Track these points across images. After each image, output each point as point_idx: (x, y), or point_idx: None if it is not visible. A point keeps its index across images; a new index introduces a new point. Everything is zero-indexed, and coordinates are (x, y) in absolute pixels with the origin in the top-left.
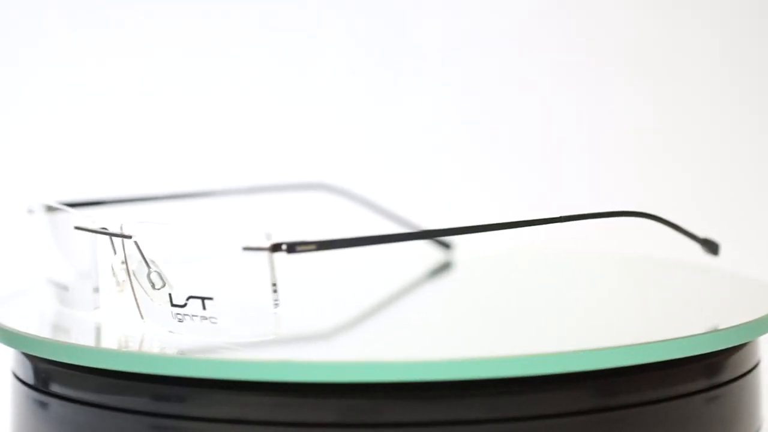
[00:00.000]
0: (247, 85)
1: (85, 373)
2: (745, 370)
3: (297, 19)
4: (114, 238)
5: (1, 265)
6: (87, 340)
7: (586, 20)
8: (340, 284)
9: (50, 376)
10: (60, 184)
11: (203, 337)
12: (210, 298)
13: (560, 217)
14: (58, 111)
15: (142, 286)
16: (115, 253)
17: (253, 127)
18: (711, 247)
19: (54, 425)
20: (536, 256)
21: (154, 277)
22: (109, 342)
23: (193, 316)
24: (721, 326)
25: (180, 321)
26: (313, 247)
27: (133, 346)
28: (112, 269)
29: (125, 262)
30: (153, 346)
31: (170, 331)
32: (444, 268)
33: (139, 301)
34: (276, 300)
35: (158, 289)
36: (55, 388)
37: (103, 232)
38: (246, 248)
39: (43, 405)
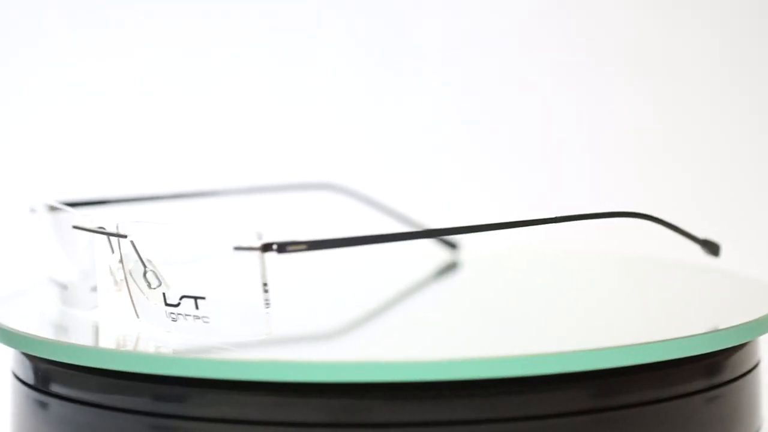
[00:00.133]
0: (246, 86)
1: (85, 373)
2: (745, 370)
3: (297, 19)
4: (111, 237)
5: (2, 265)
6: (87, 340)
7: (586, 20)
8: (343, 284)
9: (50, 376)
10: (60, 184)
11: (196, 337)
12: (202, 298)
13: (558, 217)
14: (58, 111)
15: (138, 286)
16: (112, 252)
17: (253, 127)
18: (711, 248)
19: (54, 425)
20: (536, 256)
21: (150, 276)
22: (108, 342)
23: (186, 315)
24: (721, 326)
25: (174, 320)
26: (303, 247)
27: (133, 346)
28: (110, 269)
29: (122, 261)
30: (152, 346)
31: (164, 331)
32: (449, 268)
33: (134, 301)
34: (267, 300)
35: (154, 288)
36: (55, 388)
37: (100, 231)
38: (237, 248)
39: (43, 405)
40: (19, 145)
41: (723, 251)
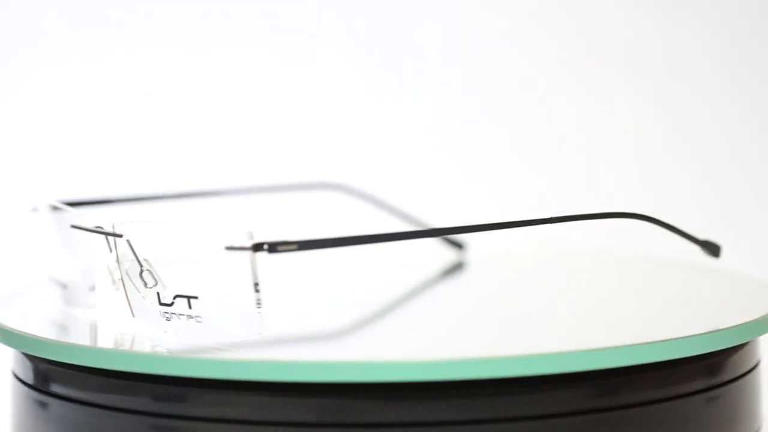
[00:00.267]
0: (246, 86)
1: (85, 373)
2: (745, 370)
3: (297, 19)
4: (108, 237)
5: (2, 265)
6: (86, 339)
7: (586, 20)
8: (343, 284)
9: (50, 376)
10: (61, 183)
11: (189, 336)
12: (195, 297)
13: (555, 217)
14: (58, 111)
15: (134, 285)
16: (110, 251)
17: (253, 127)
18: (711, 249)
19: (54, 425)
20: (536, 257)
21: (146, 275)
22: (107, 342)
23: (180, 315)
24: (721, 326)
25: (168, 320)
26: (294, 247)
27: (132, 346)
28: (108, 268)
29: (118, 260)
30: (153, 347)
31: (158, 330)
32: (453, 268)
33: (130, 300)
34: (259, 300)
35: (150, 288)
36: (55, 388)
37: (97, 231)
38: (229, 248)
39: (43, 405)
40: (19, 145)
41: (723, 251)
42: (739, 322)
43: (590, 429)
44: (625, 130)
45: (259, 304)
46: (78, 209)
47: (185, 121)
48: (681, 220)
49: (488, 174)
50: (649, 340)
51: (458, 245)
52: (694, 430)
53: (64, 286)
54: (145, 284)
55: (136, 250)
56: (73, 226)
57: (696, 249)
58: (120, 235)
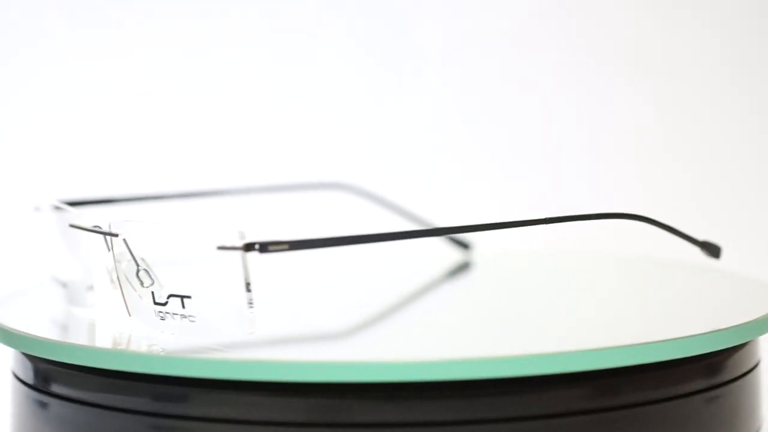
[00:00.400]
0: (246, 86)
1: (85, 373)
2: (745, 370)
3: (297, 19)
4: (107, 236)
5: (2, 265)
6: (86, 339)
7: (586, 20)
8: (344, 284)
9: (50, 376)
10: (61, 183)
11: (182, 336)
12: (188, 297)
13: (554, 218)
14: (58, 111)
15: (131, 284)
16: (109, 251)
17: (252, 127)
18: (711, 250)
19: (54, 425)
20: (536, 257)
21: (142, 275)
22: (107, 341)
23: (173, 314)
24: (721, 326)
25: (162, 319)
26: (285, 246)
27: (132, 346)
28: (106, 267)
29: (115, 259)
30: (151, 346)
31: (152, 329)
32: (461, 268)
33: (126, 299)
34: (250, 300)
35: (147, 287)
36: (55, 388)
37: (94, 230)
38: (221, 248)
39: (43, 405)
40: (18, 146)
41: (723, 252)
42: (739, 322)
43: (590, 429)
44: (625, 130)
45: (250, 304)
46: (79, 209)
47: (186, 121)
48: (681, 220)
49: (488, 174)
50: (649, 340)
51: (464, 245)
52: (694, 430)
53: (65, 286)
54: (142, 283)
55: (132, 250)
56: (72, 226)
57: (696, 249)
58: (116, 235)
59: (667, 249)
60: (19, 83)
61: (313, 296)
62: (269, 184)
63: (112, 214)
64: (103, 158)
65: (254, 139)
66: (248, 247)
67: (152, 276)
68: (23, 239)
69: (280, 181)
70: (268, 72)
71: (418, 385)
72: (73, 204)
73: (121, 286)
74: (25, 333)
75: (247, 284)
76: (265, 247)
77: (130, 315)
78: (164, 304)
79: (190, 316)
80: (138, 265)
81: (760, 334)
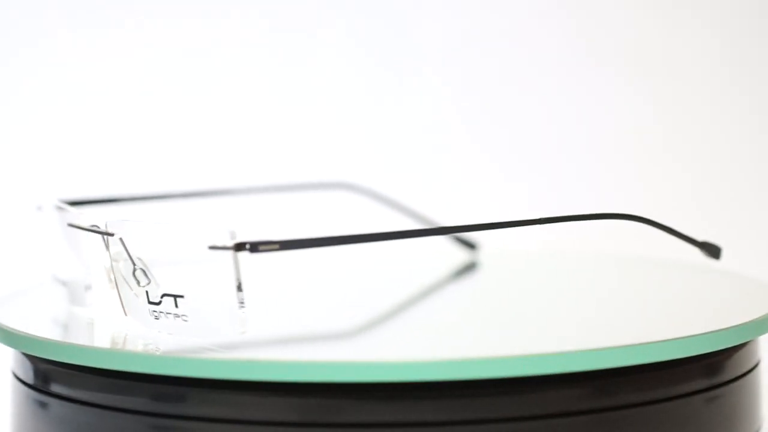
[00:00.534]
0: (245, 86)
1: (85, 373)
2: (745, 370)
3: (297, 19)
4: (104, 236)
5: (2, 265)
6: (86, 339)
7: (586, 20)
8: (348, 284)
9: (50, 376)
10: (61, 183)
11: (176, 335)
12: (181, 296)
13: (554, 217)
14: (58, 111)
15: (127, 283)
16: (106, 250)
17: (252, 127)
18: (711, 250)
19: (54, 425)
20: (535, 257)
21: (138, 274)
22: (107, 341)
23: (167, 313)
24: (721, 326)
25: (156, 318)
26: (276, 246)
27: (132, 346)
28: (104, 267)
29: (112, 259)
30: (151, 346)
31: (148, 329)
32: (467, 268)
33: (122, 298)
34: (242, 300)
35: (143, 286)
36: (55, 388)
37: (92, 230)
38: (212, 247)
39: (43, 405)
40: (18, 145)
41: (722, 251)
42: (739, 322)
43: (590, 429)
44: (625, 130)
45: (242, 303)
46: (80, 208)
47: (188, 121)
48: (681, 220)
49: (488, 174)
50: (649, 340)
51: (470, 245)
52: (694, 430)
53: (65, 285)
54: (138, 283)
55: (129, 249)
56: (71, 225)
57: (696, 249)
58: (112, 234)
59: (666, 249)
60: (19, 83)
61: (316, 296)
62: (274, 184)
63: (113, 213)
64: (104, 158)
65: (255, 139)
66: (239, 246)
67: (149, 275)
68: (23, 239)
69: (279, 182)
70: (269, 72)
71: (418, 385)
72: (74, 204)
73: (117, 286)
74: (25, 333)
75: (239, 284)
76: (255, 247)
77: (126, 314)
78: (158, 304)
79: (183, 315)
80: (134, 264)
81: (760, 334)
